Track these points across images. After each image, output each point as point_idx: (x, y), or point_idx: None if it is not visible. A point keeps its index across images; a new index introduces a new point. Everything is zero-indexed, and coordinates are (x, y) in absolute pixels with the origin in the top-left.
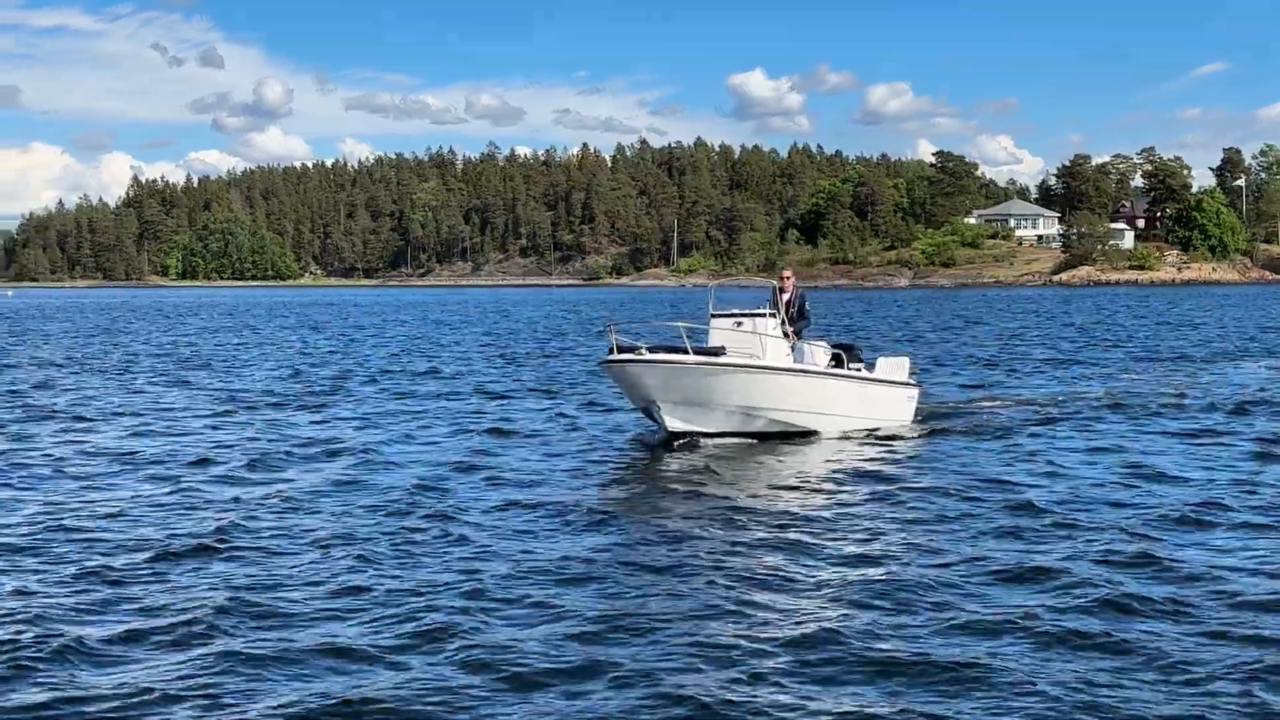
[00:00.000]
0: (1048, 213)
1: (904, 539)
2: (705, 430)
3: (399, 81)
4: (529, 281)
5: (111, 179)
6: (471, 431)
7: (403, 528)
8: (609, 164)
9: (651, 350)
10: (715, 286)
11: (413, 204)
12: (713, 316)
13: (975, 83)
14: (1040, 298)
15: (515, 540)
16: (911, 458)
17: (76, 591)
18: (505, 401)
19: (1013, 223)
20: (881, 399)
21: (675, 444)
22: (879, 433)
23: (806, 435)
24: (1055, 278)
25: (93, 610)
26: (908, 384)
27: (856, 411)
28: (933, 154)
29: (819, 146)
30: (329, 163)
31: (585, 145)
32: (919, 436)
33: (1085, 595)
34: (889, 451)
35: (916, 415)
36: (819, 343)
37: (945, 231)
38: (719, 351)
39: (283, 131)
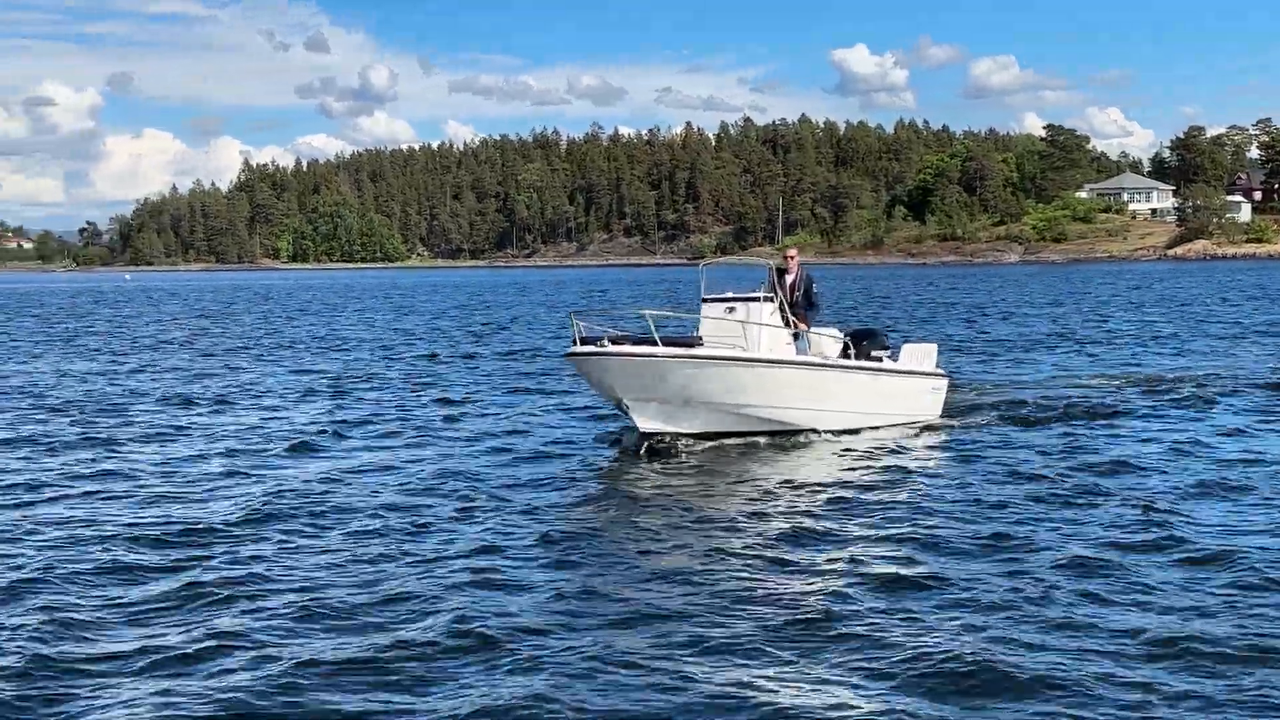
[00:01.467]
0: (1162, 186)
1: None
2: (684, 430)
3: (501, 63)
4: (633, 261)
5: (222, 163)
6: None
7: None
8: (713, 142)
9: (616, 341)
10: (707, 266)
11: (518, 185)
12: (704, 301)
13: (1083, 55)
14: (1154, 272)
15: (464, 592)
16: (920, 458)
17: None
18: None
19: (1125, 196)
20: (899, 392)
21: (650, 446)
22: (896, 429)
23: (805, 434)
24: (1170, 252)
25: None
26: (932, 374)
27: (868, 406)
28: (1043, 127)
29: (925, 122)
30: (435, 145)
31: (689, 124)
32: (938, 433)
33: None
34: (895, 451)
35: (947, 408)
36: (829, 330)
37: (1056, 206)
38: (694, 342)
39: (388, 115)
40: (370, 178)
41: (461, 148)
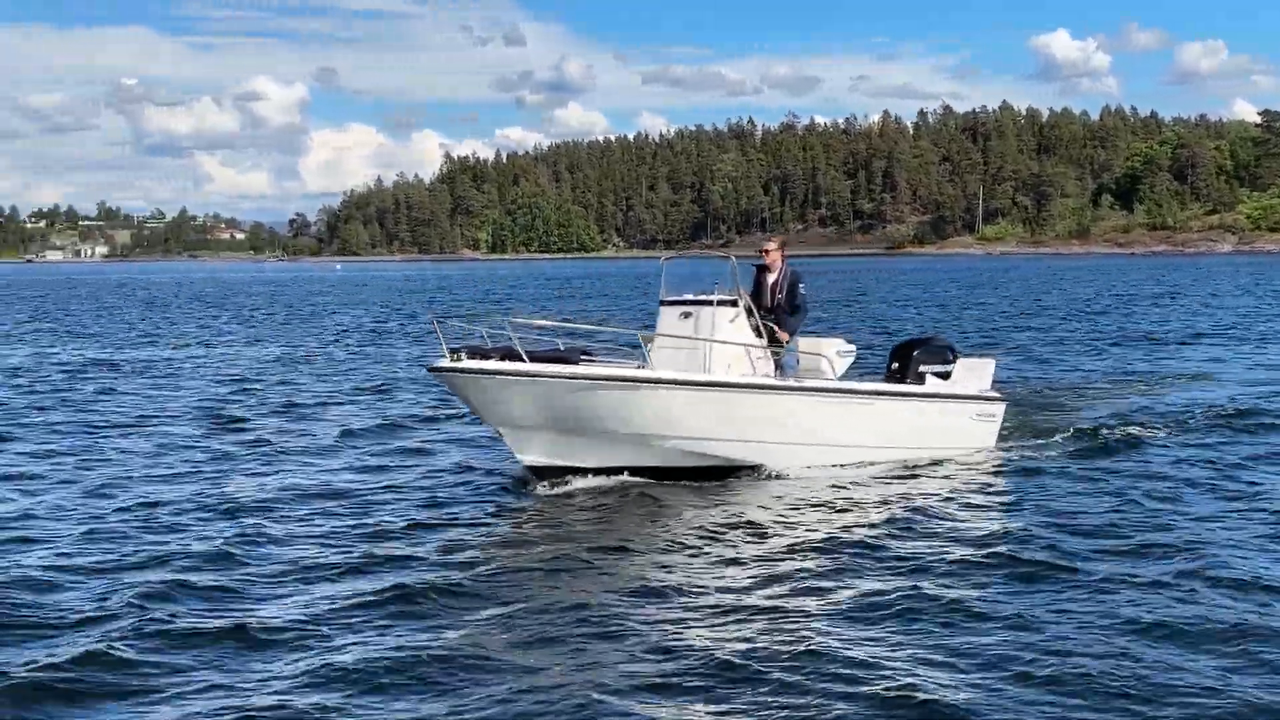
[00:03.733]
0: None
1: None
2: (577, 465)
3: (693, 54)
4: (828, 251)
5: (422, 156)
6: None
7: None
8: (910, 131)
9: (475, 354)
10: (668, 261)
11: (712, 175)
12: (662, 304)
13: None
14: None
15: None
16: (917, 502)
17: None
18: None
19: None
20: (920, 420)
21: (538, 484)
22: (920, 466)
23: (761, 472)
24: None
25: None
26: (977, 397)
27: (878, 440)
28: (1258, 113)
29: (1133, 108)
30: (631, 136)
31: (886, 113)
32: (964, 467)
33: None
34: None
35: (1014, 431)
36: (831, 340)
37: (1274, 194)
38: (570, 358)
39: (583, 107)
40: (568, 169)
41: (657, 139)
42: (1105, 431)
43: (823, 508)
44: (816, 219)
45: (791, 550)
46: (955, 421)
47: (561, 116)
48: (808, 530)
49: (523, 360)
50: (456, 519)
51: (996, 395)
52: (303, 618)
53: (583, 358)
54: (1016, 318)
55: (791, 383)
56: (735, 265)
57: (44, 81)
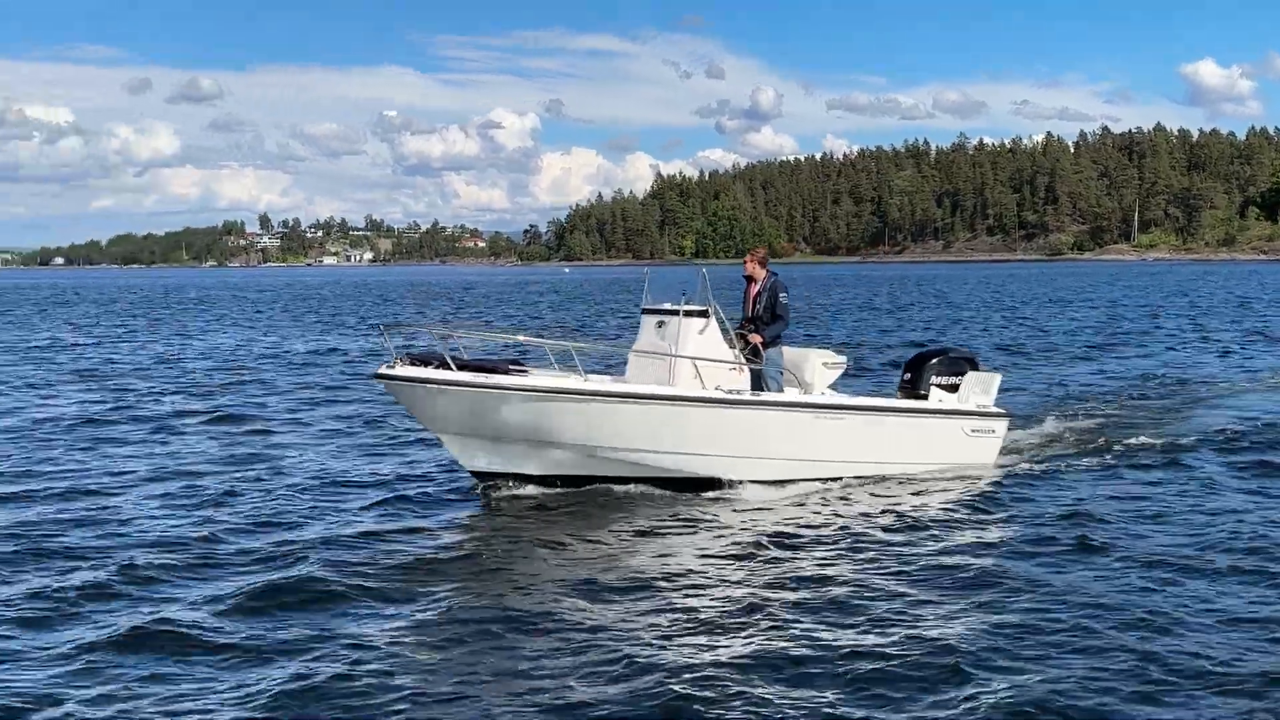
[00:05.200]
0: None
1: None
2: (519, 472)
3: (873, 83)
4: (995, 257)
5: (636, 175)
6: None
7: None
8: (1071, 149)
9: (415, 361)
10: (653, 270)
11: (890, 190)
12: (643, 311)
13: None
14: None
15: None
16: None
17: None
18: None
19: None
20: (912, 437)
21: (486, 488)
22: (893, 482)
23: (720, 486)
24: None
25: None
26: (973, 413)
27: (848, 455)
28: None
29: (1276, 129)
30: (817, 156)
31: (1049, 133)
32: (944, 485)
33: None
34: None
35: (1018, 449)
36: (818, 351)
37: None
38: (498, 368)
39: (774, 131)
40: (761, 185)
41: (840, 158)
42: (1135, 448)
43: (771, 522)
44: (984, 228)
45: (716, 562)
46: (944, 437)
47: (755, 140)
48: (736, 543)
49: (450, 369)
50: (421, 518)
51: (997, 411)
52: (221, 617)
53: (511, 368)
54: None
55: (741, 396)
56: (705, 276)
57: (322, 113)
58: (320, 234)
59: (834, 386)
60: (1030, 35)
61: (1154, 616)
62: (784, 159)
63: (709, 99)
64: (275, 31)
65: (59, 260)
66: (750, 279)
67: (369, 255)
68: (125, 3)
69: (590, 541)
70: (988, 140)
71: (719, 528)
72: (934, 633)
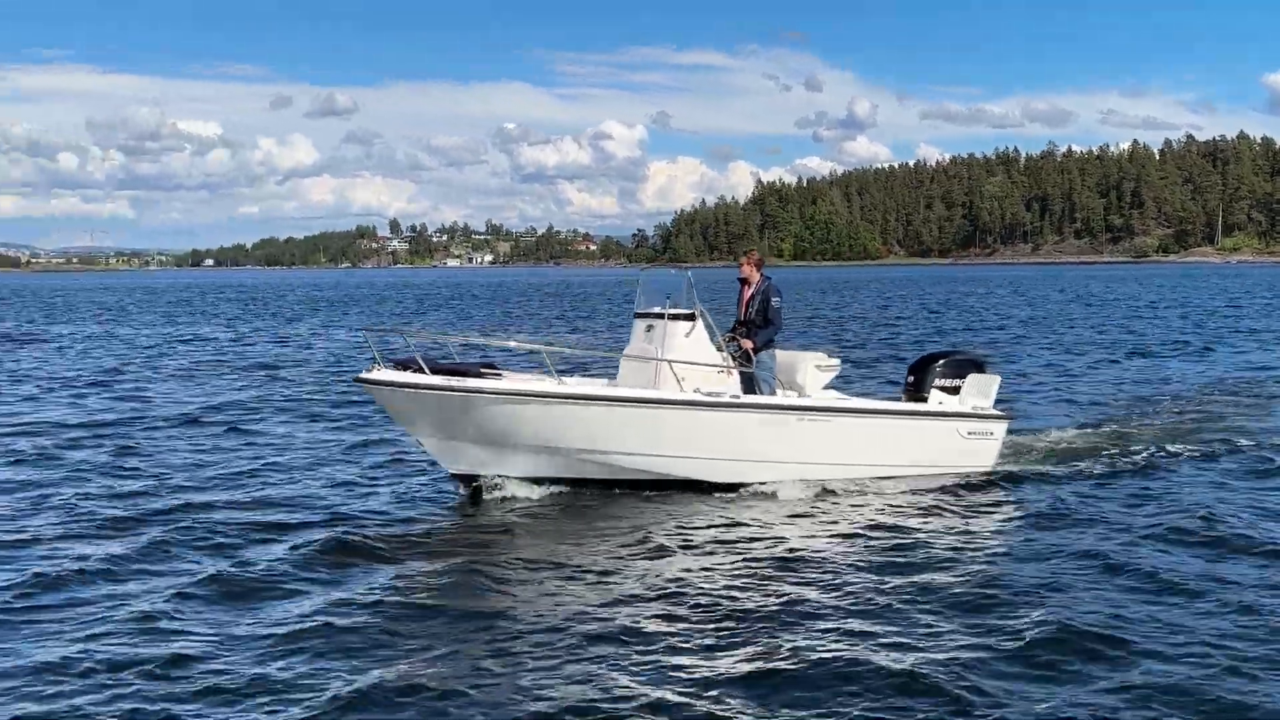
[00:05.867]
0: None
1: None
2: (497, 474)
3: (964, 94)
4: (1082, 259)
5: (737, 182)
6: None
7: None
8: (1156, 156)
9: (399, 366)
10: (646, 272)
11: (981, 195)
12: (636, 316)
13: None
14: None
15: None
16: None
17: None
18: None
19: None
20: (904, 439)
21: (472, 490)
22: (882, 484)
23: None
24: None
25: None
26: (969, 415)
27: (838, 458)
28: None
29: None
30: (911, 163)
31: (1135, 141)
32: (927, 488)
33: None
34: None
35: (1019, 453)
36: (811, 354)
37: None
38: (469, 371)
39: (869, 139)
40: (857, 191)
41: (933, 165)
42: (1137, 455)
43: (752, 525)
44: (1072, 231)
45: (698, 560)
46: (938, 440)
47: (851, 148)
48: (720, 545)
49: (424, 373)
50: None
51: (995, 413)
52: (203, 610)
53: (485, 371)
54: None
55: (719, 398)
56: (691, 279)
57: (447, 126)
58: (445, 238)
59: (835, 389)
60: (1116, 48)
61: (1137, 620)
62: (878, 166)
63: (807, 110)
64: (405, 51)
65: (209, 262)
66: (745, 282)
67: (489, 258)
68: (269, 25)
69: (571, 545)
70: (1075, 148)
71: (702, 531)
72: (911, 639)
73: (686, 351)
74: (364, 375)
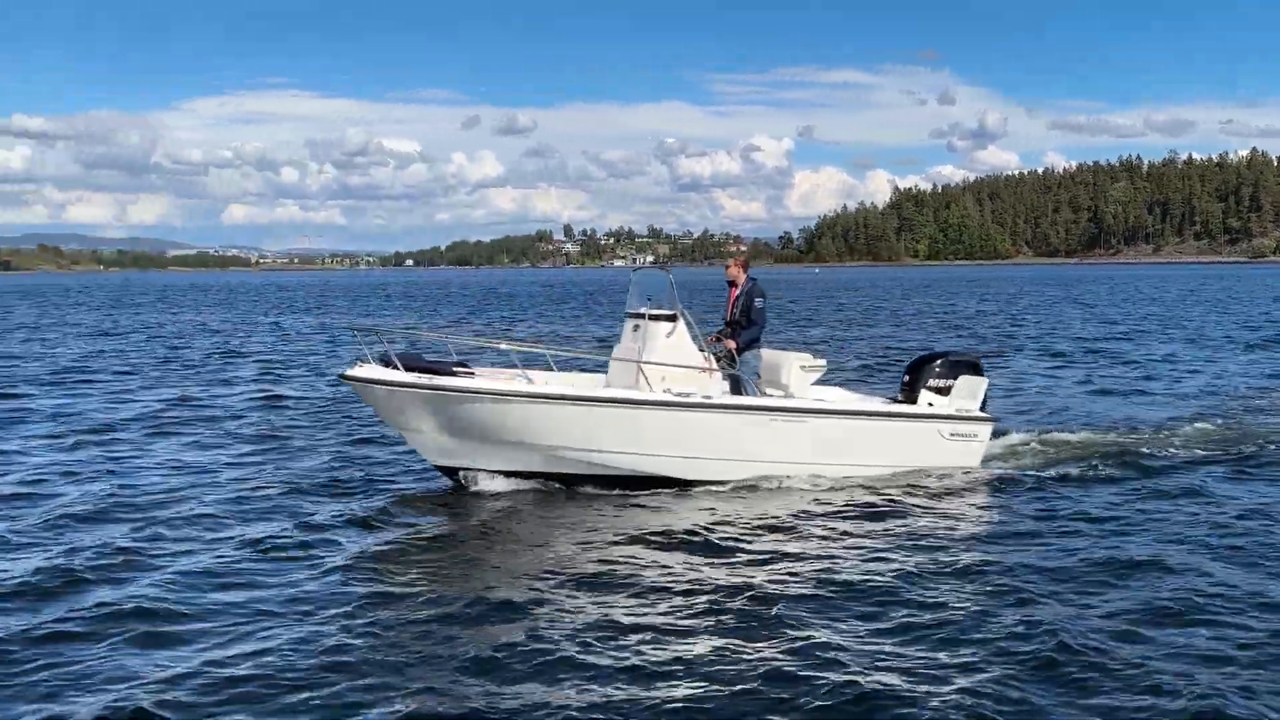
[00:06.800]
0: None
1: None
2: (481, 467)
3: (1088, 106)
4: (1200, 259)
5: (875, 189)
6: None
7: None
8: (1275, 163)
9: (384, 363)
10: (637, 271)
11: (1105, 199)
12: (627, 316)
13: None
14: None
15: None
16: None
17: None
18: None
19: None
20: (883, 439)
21: (455, 482)
22: (856, 482)
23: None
24: None
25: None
26: (955, 417)
27: (822, 457)
28: None
29: None
30: (1039, 170)
31: (1254, 149)
32: (905, 485)
33: None
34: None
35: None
36: (795, 354)
37: None
38: (445, 369)
39: (999, 149)
40: (989, 197)
41: (1060, 172)
42: (1130, 454)
43: (725, 522)
44: (1191, 234)
45: (669, 557)
46: (918, 441)
47: (982, 157)
48: (693, 541)
49: (398, 369)
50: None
51: (979, 415)
52: (189, 603)
53: (457, 369)
54: None
55: (691, 399)
56: (672, 280)
57: (614, 142)
58: (612, 241)
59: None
60: (1234, 61)
61: (1104, 623)
62: (1008, 173)
63: (941, 122)
64: (577, 76)
65: (409, 262)
66: (732, 284)
67: (650, 259)
68: (461, 55)
69: (550, 540)
70: (1195, 155)
71: (670, 525)
72: (882, 643)
73: (668, 351)
74: (349, 373)
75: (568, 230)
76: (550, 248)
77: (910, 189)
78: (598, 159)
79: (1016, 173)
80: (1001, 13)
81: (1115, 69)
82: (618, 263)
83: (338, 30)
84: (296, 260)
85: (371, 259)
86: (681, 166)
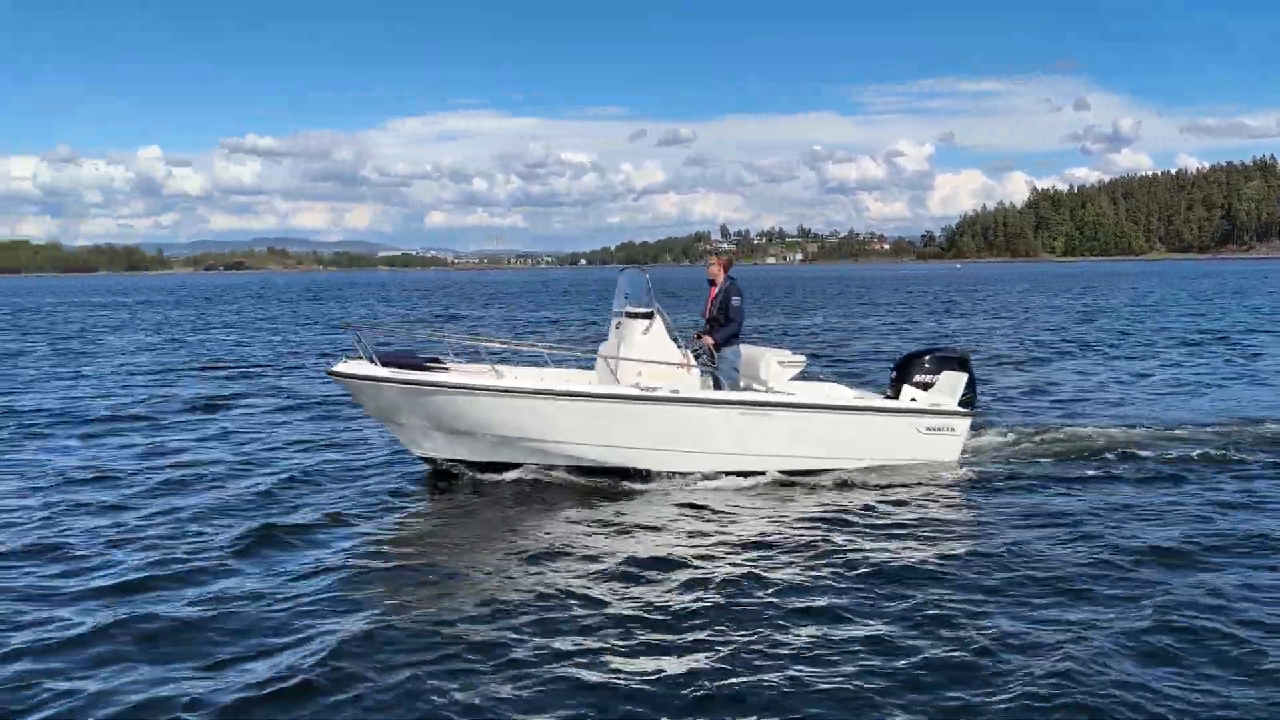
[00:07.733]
0: None
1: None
2: (462, 459)
3: (1221, 108)
4: None
5: (1013, 190)
6: None
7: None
8: None
9: (383, 360)
10: (626, 272)
11: (1239, 197)
12: (614, 315)
13: None
14: None
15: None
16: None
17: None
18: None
19: None
20: (855, 433)
21: (432, 469)
22: (825, 476)
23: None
24: None
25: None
26: (931, 411)
27: (793, 450)
28: None
29: None
30: (1173, 171)
31: None
32: (877, 481)
33: None
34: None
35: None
36: (774, 350)
37: None
38: (418, 364)
39: (1132, 151)
40: (1122, 196)
41: (1193, 172)
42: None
43: (692, 515)
44: None
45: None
46: (892, 435)
47: (1115, 159)
48: (667, 535)
49: (375, 365)
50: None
51: (955, 410)
52: (178, 606)
53: (429, 364)
54: None
55: (654, 393)
56: (649, 279)
57: (766, 150)
58: (764, 240)
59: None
60: None
61: (1065, 629)
62: (1142, 174)
63: (1076, 126)
64: (732, 90)
65: (583, 261)
66: (712, 283)
67: (799, 257)
68: (630, 76)
69: (534, 534)
70: None
71: (642, 520)
72: (851, 629)
73: (645, 348)
74: (335, 369)
75: (724, 231)
76: (708, 247)
77: (1047, 189)
78: (751, 165)
79: (1149, 173)
80: (1133, 21)
81: (1248, 73)
82: (769, 260)
83: (521, 56)
84: (485, 261)
85: (550, 259)
86: (829, 171)
